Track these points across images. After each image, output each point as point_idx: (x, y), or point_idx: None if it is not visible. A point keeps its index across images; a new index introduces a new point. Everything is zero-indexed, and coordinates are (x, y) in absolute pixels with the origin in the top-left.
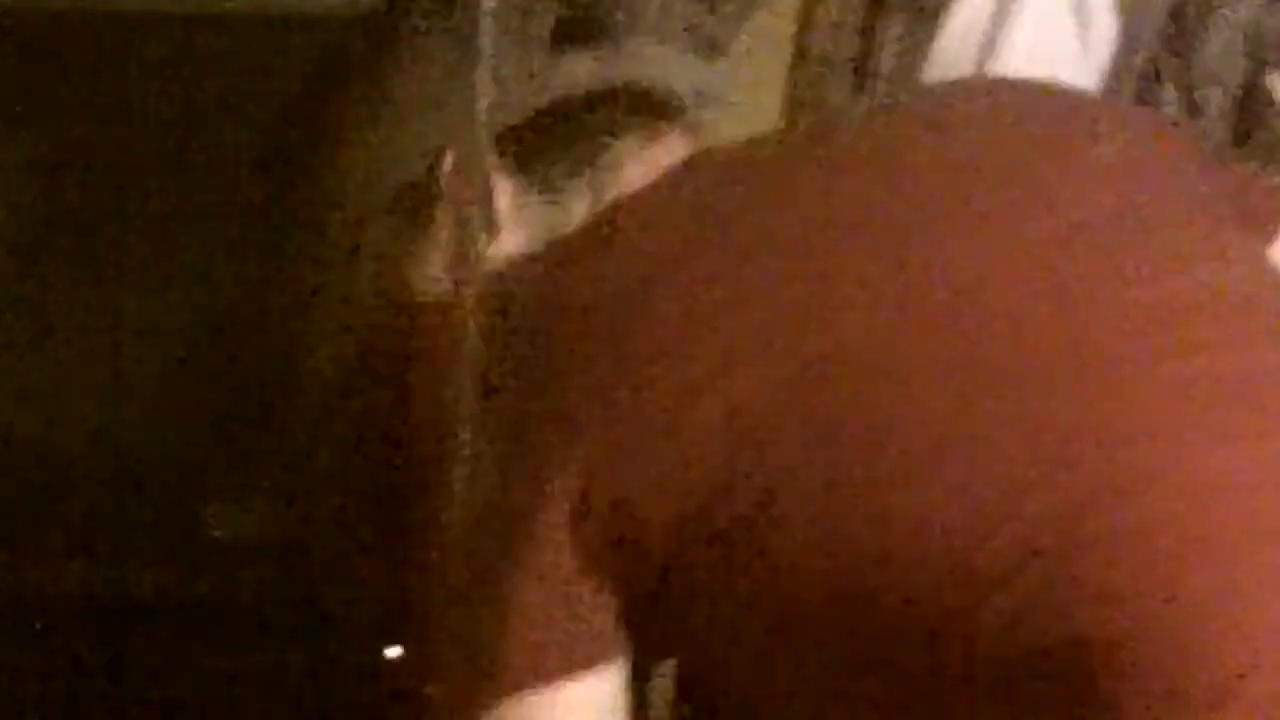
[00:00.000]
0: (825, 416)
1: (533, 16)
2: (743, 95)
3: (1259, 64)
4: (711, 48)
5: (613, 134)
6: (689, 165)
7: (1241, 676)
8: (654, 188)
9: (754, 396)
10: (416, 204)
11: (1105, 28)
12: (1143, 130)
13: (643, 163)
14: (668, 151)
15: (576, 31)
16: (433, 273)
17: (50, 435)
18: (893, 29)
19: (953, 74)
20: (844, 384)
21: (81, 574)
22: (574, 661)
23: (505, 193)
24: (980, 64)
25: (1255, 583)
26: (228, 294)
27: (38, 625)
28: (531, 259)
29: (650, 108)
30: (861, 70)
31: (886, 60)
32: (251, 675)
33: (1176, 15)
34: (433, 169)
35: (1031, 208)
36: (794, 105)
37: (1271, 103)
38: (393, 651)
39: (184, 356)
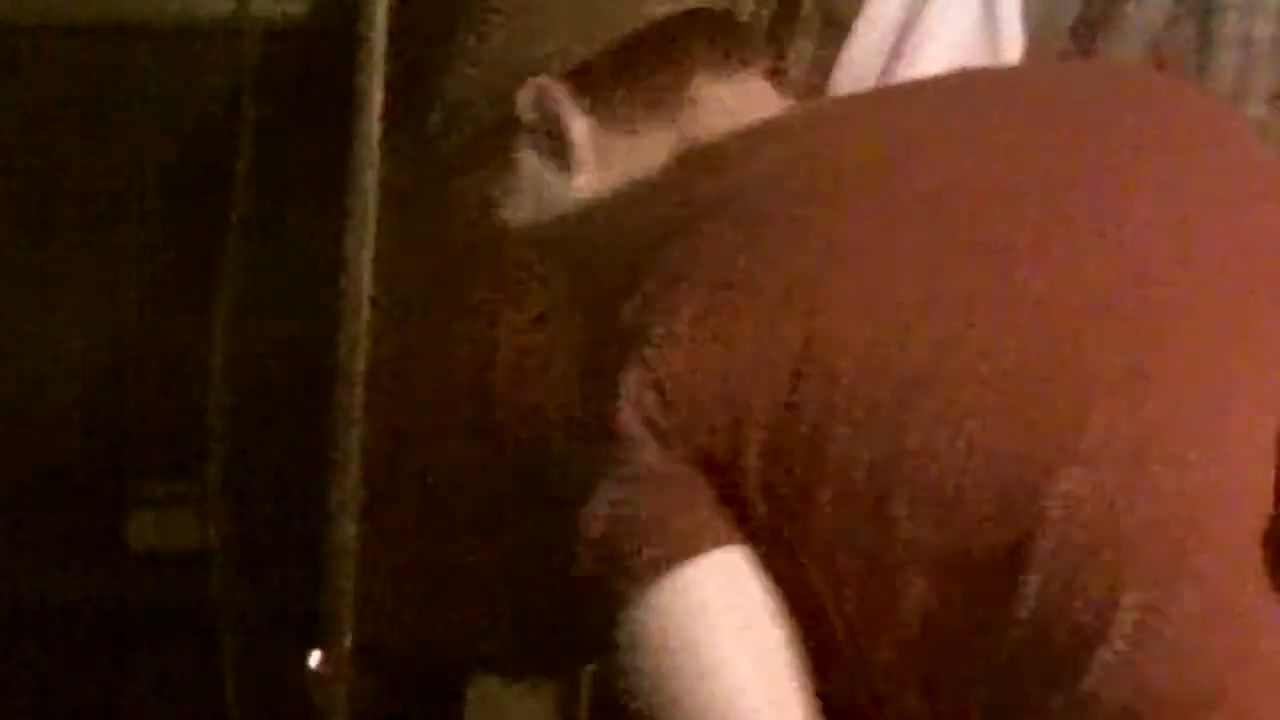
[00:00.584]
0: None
1: None
2: None
3: None
4: None
5: (690, 65)
6: (777, 118)
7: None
8: (743, 131)
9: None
10: (497, 144)
11: (1013, 39)
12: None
13: (725, 95)
14: (748, 85)
15: None
16: (513, 212)
17: None
18: (804, 38)
19: (862, 84)
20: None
21: (19, 581)
22: (688, 547)
23: (582, 132)
24: (889, 73)
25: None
26: (154, 303)
27: None
28: (616, 197)
29: (727, 34)
30: (772, 79)
31: (797, 69)
32: (170, 683)
33: (1081, 28)
34: (512, 108)
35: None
36: None
37: None
38: (314, 659)
39: (105, 365)
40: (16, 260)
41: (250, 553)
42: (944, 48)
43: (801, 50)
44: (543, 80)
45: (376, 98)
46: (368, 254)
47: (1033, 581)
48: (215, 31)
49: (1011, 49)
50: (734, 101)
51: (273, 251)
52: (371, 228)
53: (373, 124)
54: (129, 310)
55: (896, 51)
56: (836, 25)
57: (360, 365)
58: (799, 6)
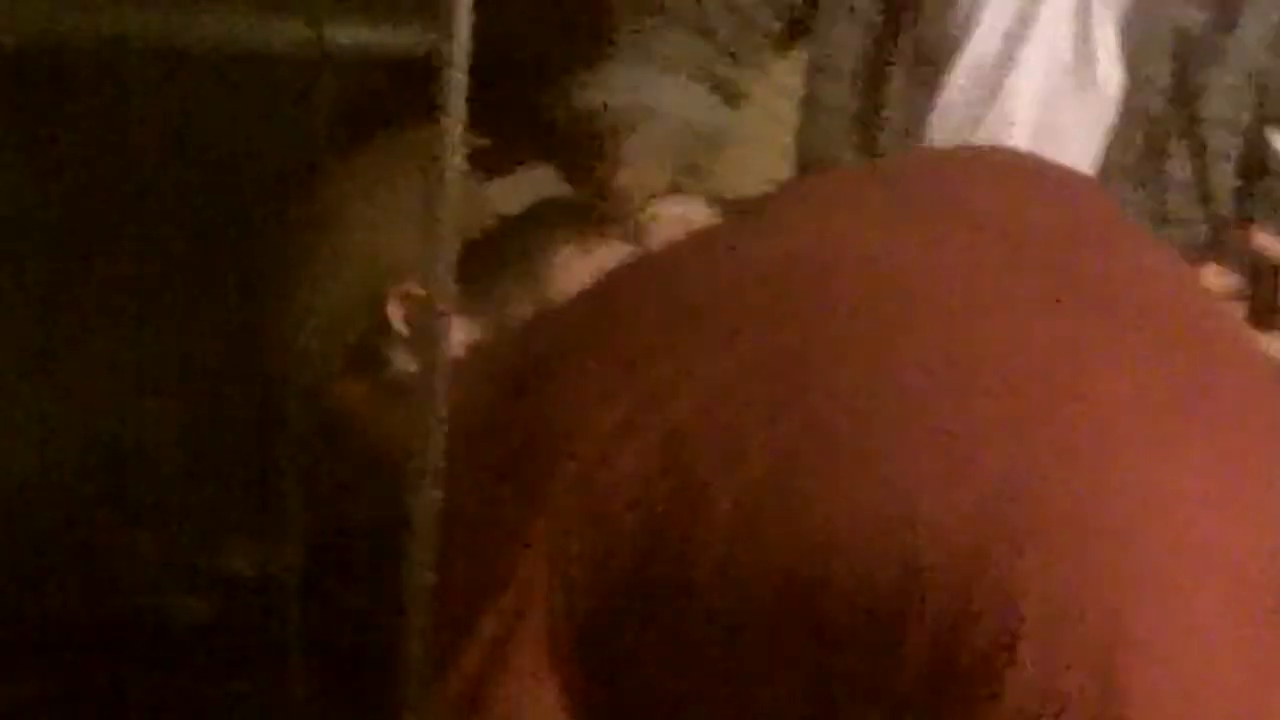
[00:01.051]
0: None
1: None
2: (755, 142)
3: (1265, 113)
4: (732, 95)
5: (548, 246)
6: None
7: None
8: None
9: (684, 423)
10: (367, 354)
11: (1110, 75)
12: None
13: (584, 266)
14: (611, 253)
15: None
16: (389, 420)
17: (71, 467)
18: (900, 79)
19: (957, 122)
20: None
21: (102, 603)
22: None
23: (458, 339)
24: (984, 113)
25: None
26: (256, 329)
27: (55, 654)
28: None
29: (583, 214)
30: (870, 119)
31: (894, 109)
32: (269, 708)
33: (1182, 62)
34: (378, 316)
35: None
36: (805, 153)
37: (1273, 156)
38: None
39: (208, 392)
40: (98, 285)
41: (336, 582)
42: (1039, 85)
43: (895, 87)
44: (410, 287)
45: (457, 127)
46: (447, 283)
47: (926, 613)
48: (291, 59)
49: (1109, 83)
50: (595, 263)
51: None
52: (452, 257)
53: (453, 152)
54: (243, 333)
55: (993, 89)
56: (930, 63)
57: (440, 402)
58: (894, 45)
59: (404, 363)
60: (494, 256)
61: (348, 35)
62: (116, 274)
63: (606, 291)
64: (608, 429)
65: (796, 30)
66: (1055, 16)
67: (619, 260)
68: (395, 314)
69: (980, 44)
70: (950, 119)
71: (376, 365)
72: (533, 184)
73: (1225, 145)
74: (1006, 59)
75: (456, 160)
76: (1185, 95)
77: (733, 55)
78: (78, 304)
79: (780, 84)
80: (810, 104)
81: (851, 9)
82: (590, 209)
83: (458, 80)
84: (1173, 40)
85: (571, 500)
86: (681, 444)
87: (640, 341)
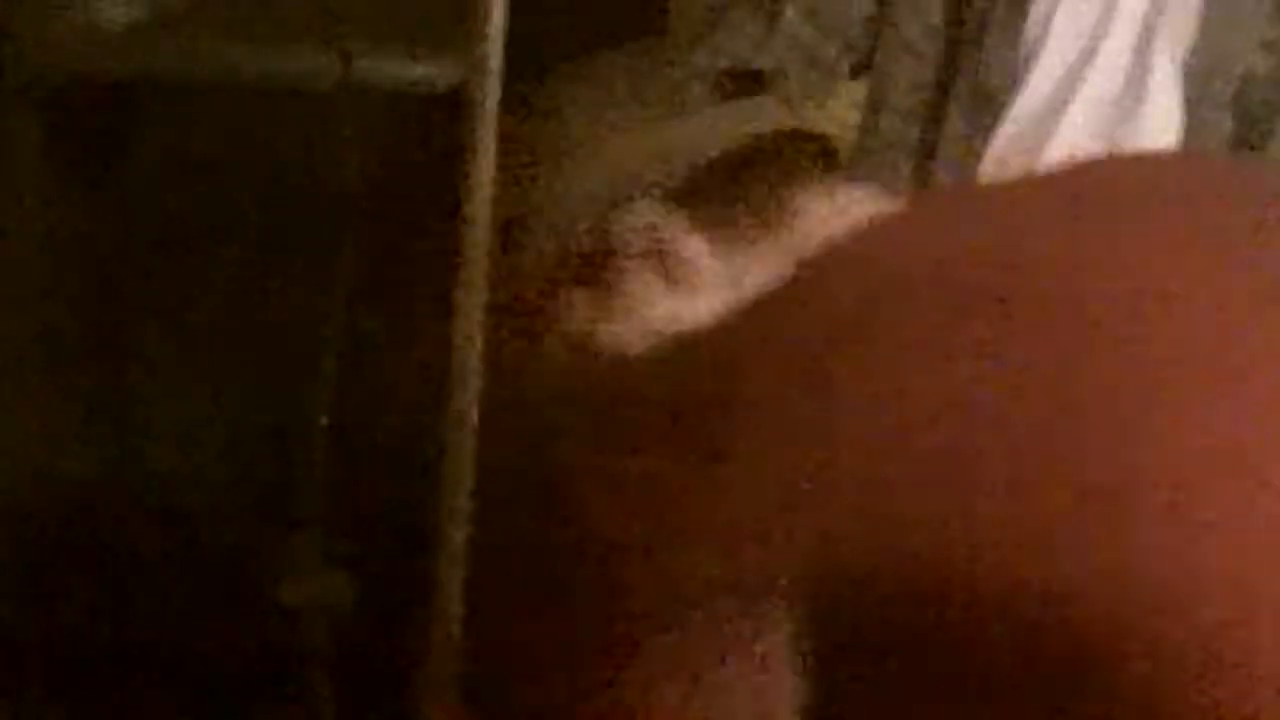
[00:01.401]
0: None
1: (690, 70)
2: None
3: None
4: None
5: (789, 179)
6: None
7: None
8: (850, 243)
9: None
10: (595, 267)
11: (1168, 116)
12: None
13: (827, 211)
14: (850, 199)
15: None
16: (614, 331)
17: (122, 499)
18: (958, 114)
19: (1013, 159)
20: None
21: (149, 634)
22: None
23: (697, 251)
24: (1039, 150)
25: None
26: (307, 361)
27: (104, 684)
28: (720, 321)
29: (822, 151)
30: (926, 154)
31: (950, 146)
32: None
33: (1246, 108)
34: (610, 229)
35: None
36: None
37: None
38: None
39: (261, 424)
40: (177, 312)
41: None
42: (1094, 126)
43: (953, 123)
44: (646, 201)
45: (488, 162)
46: (476, 323)
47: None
48: (317, 92)
49: (1165, 131)
50: (835, 213)
51: (376, 315)
52: (482, 291)
53: (484, 188)
54: (292, 367)
55: (1050, 128)
56: (988, 99)
57: (469, 437)
58: (954, 81)
59: (634, 279)
60: (735, 178)
61: (377, 68)
62: (159, 301)
63: (834, 278)
64: (882, 425)
65: (858, 65)
66: (1112, 61)
67: (864, 207)
68: (629, 226)
69: (1040, 82)
70: (1006, 156)
71: (603, 280)
72: (763, 113)
73: None
74: (1064, 99)
75: (487, 195)
76: (1248, 142)
77: (792, 96)
78: (129, 323)
79: (837, 119)
80: (866, 137)
81: (912, 44)
82: (829, 146)
83: (488, 113)
84: (1237, 85)
85: (839, 500)
86: (965, 454)
87: (907, 338)
